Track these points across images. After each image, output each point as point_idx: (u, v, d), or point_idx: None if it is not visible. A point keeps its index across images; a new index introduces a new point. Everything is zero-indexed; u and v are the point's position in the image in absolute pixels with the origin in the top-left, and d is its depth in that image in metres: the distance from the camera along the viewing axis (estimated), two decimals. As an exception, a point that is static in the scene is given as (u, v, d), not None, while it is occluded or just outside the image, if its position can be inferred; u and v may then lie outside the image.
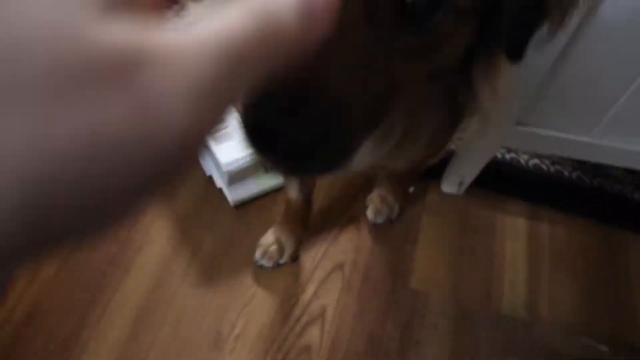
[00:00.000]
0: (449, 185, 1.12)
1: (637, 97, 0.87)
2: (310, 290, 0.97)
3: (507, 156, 1.18)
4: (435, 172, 1.12)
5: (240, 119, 0.33)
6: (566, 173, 1.19)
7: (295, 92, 0.31)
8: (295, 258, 1.00)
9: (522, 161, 1.18)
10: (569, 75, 0.85)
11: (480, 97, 0.48)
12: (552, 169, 1.18)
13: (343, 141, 0.35)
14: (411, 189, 1.12)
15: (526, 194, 1.16)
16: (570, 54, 0.81)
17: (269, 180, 1.06)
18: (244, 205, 1.07)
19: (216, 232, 1.04)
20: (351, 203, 1.10)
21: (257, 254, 0.99)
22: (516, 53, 0.43)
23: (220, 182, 1.07)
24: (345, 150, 0.36)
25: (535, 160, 1.19)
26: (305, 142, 0.32)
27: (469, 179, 1.09)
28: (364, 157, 0.58)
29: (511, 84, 0.54)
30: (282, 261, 0.99)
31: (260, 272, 0.99)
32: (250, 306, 0.96)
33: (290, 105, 0.31)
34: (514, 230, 1.11)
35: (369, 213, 1.06)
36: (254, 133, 0.33)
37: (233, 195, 1.04)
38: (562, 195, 1.16)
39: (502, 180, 1.16)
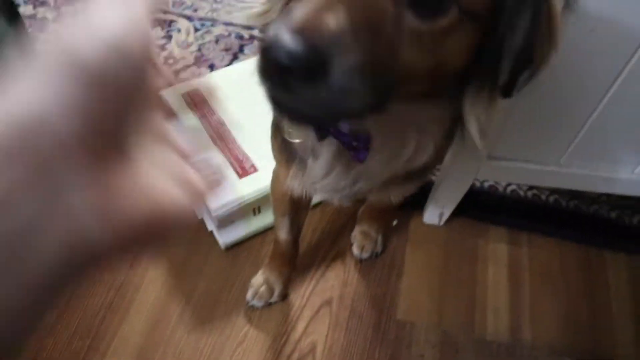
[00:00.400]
0: (430, 217, 1.17)
1: (599, 125, 0.92)
2: (300, 327, 1.01)
3: (485, 184, 1.23)
4: (416, 204, 1.17)
5: (259, 54, 0.37)
6: (543, 197, 1.24)
7: (314, 37, 0.36)
8: (284, 296, 1.05)
9: (500, 188, 1.23)
10: (532, 106, 0.90)
11: (470, 129, 0.52)
12: (529, 194, 1.24)
13: (346, 94, 0.38)
14: (394, 222, 1.17)
15: (506, 219, 1.20)
16: (533, 84, 0.85)
17: (258, 222, 1.11)
18: (234, 247, 1.11)
19: (208, 274, 1.08)
20: (337, 239, 1.14)
21: (249, 295, 1.03)
22: (508, 88, 0.48)
23: (210, 226, 1.12)
24: (346, 103, 0.39)
25: (513, 187, 1.24)
26: (315, 83, 0.36)
27: (448, 209, 1.14)
28: (378, 171, 0.62)
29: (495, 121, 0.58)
30: (272, 300, 1.03)
31: (251, 312, 1.03)
32: (243, 345, 1.00)
33: (308, 48, 0.35)
34: (495, 256, 1.15)
35: (355, 249, 1.10)
36: (269, 68, 0.37)
37: (223, 238, 1.09)
38: (540, 219, 1.21)
39: (481, 208, 1.20)
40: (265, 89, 0.39)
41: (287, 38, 0.35)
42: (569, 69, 0.83)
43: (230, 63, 1.41)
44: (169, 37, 1.48)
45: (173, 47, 1.46)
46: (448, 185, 1.07)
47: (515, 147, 0.99)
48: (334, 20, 0.37)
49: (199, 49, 1.46)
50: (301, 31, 0.35)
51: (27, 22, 1.47)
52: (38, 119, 0.21)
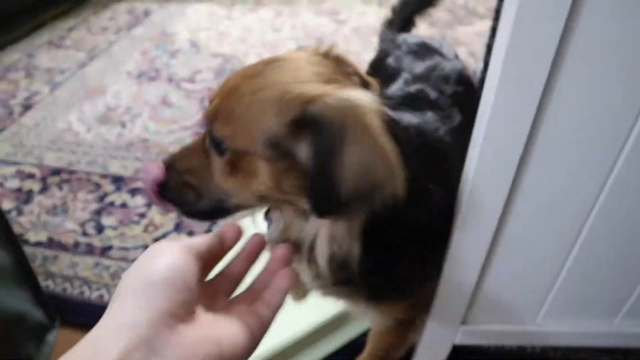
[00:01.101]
0: (416, 382, 1.13)
1: (569, 282, 0.92)
2: None
3: (468, 340, 1.20)
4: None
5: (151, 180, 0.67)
6: (529, 349, 1.21)
7: (176, 181, 0.68)
8: None
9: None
10: (500, 273, 0.91)
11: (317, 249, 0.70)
12: (514, 346, 1.21)
13: (191, 203, 0.68)
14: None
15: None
16: (496, 253, 0.87)
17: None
18: None
19: None
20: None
21: None
22: (318, 211, 0.59)
23: None
24: (190, 208, 0.69)
25: (497, 340, 1.21)
26: (179, 197, 0.68)
27: (433, 373, 1.11)
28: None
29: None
30: None
31: None
32: None
33: (173, 184, 0.68)
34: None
35: None
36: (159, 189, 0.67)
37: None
38: (528, 372, 1.18)
39: (467, 365, 1.17)
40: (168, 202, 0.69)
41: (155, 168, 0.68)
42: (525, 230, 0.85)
43: (209, 229, 1.45)
44: (149, 205, 1.53)
45: (153, 215, 1.51)
46: (427, 351, 1.05)
47: (489, 310, 0.99)
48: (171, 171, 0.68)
49: (179, 216, 1.50)
50: (161, 164, 0.68)
51: None
52: (130, 320, 0.40)
